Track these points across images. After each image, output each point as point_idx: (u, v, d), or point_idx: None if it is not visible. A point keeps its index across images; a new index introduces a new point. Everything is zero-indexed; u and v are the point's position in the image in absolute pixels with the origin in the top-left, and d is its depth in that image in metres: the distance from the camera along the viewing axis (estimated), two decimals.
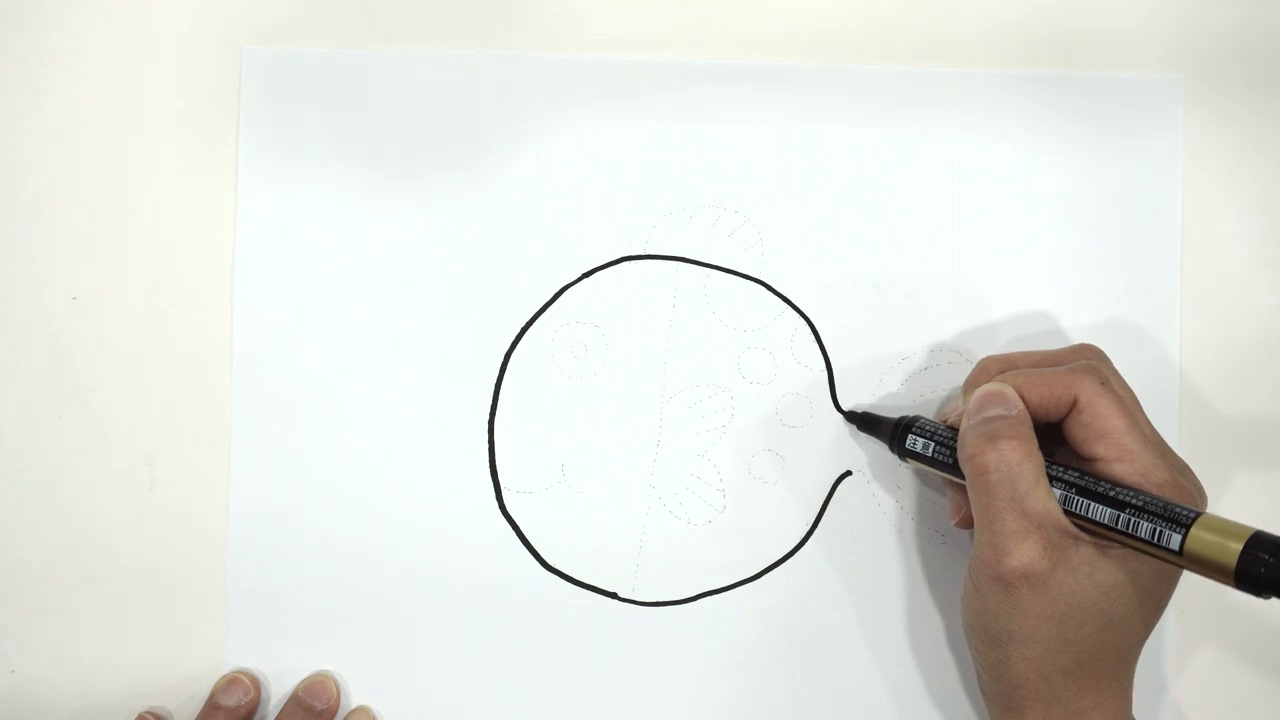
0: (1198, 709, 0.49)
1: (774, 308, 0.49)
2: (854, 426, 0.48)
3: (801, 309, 0.49)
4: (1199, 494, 0.42)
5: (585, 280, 0.49)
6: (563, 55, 0.49)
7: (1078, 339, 0.48)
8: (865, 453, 0.49)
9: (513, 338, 0.49)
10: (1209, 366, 0.49)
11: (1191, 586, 0.46)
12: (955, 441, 0.43)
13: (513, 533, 0.48)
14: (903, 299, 0.49)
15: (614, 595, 0.48)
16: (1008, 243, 0.49)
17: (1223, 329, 0.49)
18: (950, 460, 0.44)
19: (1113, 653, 0.41)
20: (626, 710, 0.48)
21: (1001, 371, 0.44)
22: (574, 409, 0.49)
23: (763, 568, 0.48)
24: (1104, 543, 0.40)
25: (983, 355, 0.48)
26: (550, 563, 0.48)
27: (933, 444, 0.44)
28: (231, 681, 0.47)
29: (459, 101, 0.49)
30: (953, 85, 0.49)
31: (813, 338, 0.49)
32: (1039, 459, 0.41)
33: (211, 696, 0.47)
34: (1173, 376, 0.49)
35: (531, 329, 0.49)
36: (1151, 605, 0.41)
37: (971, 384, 0.45)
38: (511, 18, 0.49)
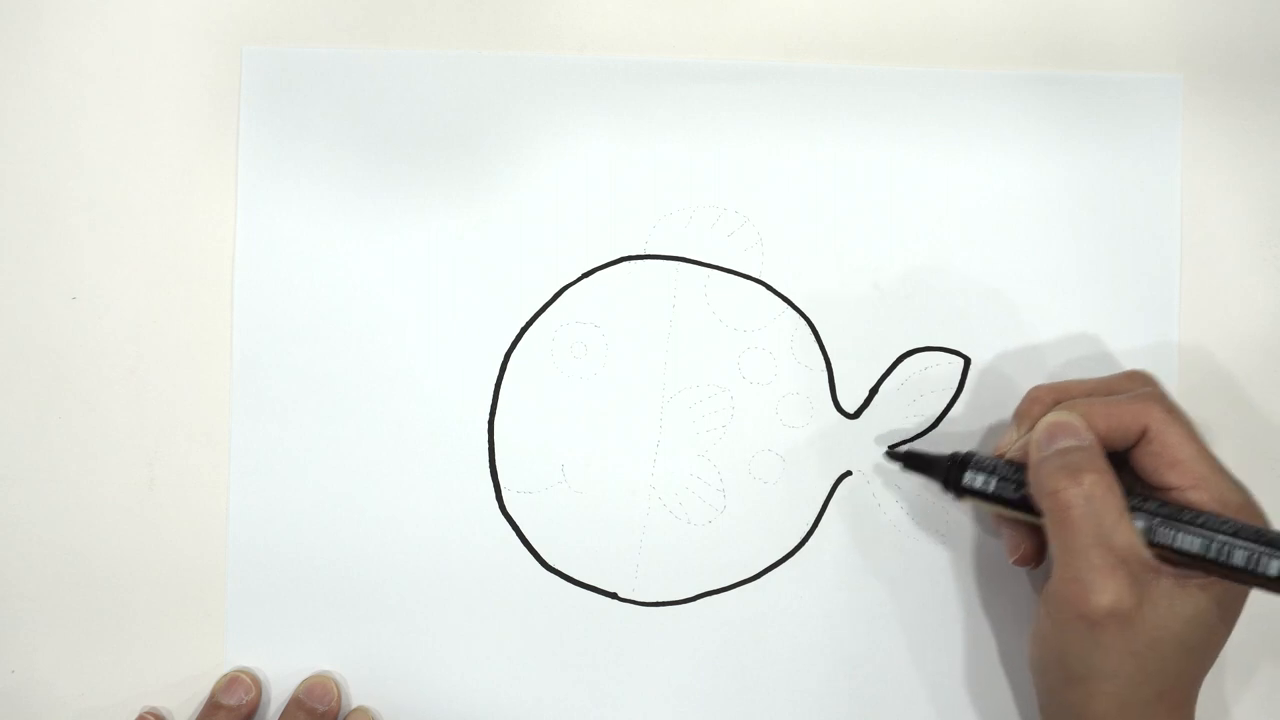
0: None
1: (774, 308, 0.49)
2: (899, 465, 0.47)
3: (801, 309, 0.49)
4: (1264, 515, 0.41)
5: (585, 280, 0.49)
6: (563, 55, 0.49)
7: (1076, 338, 0.48)
8: (865, 453, 0.49)
9: (513, 338, 0.49)
10: (1208, 366, 0.49)
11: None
12: (1019, 475, 0.42)
13: (513, 533, 0.48)
14: (903, 299, 0.49)
15: (614, 595, 0.48)
16: (1007, 242, 0.49)
17: (1222, 329, 0.49)
18: (1016, 495, 0.43)
19: (1189, 680, 0.41)
20: (626, 710, 0.48)
21: (1056, 401, 0.43)
22: (574, 409, 0.49)
23: (763, 568, 0.49)
24: (1183, 573, 0.40)
25: (982, 355, 0.48)
26: (550, 563, 0.48)
27: (995, 479, 0.43)
28: (232, 680, 0.47)
29: (459, 101, 0.49)
30: (953, 85, 0.49)
31: (813, 338, 0.49)
32: (1120, 491, 0.40)
33: (212, 696, 0.47)
34: (1172, 377, 0.48)
35: (531, 329, 0.49)
36: (1225, 629, 0.41)
37: (1023, 414, 0.44)
38: (511, 18, 0.49)
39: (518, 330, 0.49)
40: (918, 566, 0.48)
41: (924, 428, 0.48)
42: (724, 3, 0.49)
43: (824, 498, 0.49)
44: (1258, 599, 0.42)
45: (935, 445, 0.48)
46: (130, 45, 0.49)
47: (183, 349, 0.49)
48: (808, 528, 0.49)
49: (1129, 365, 0.48)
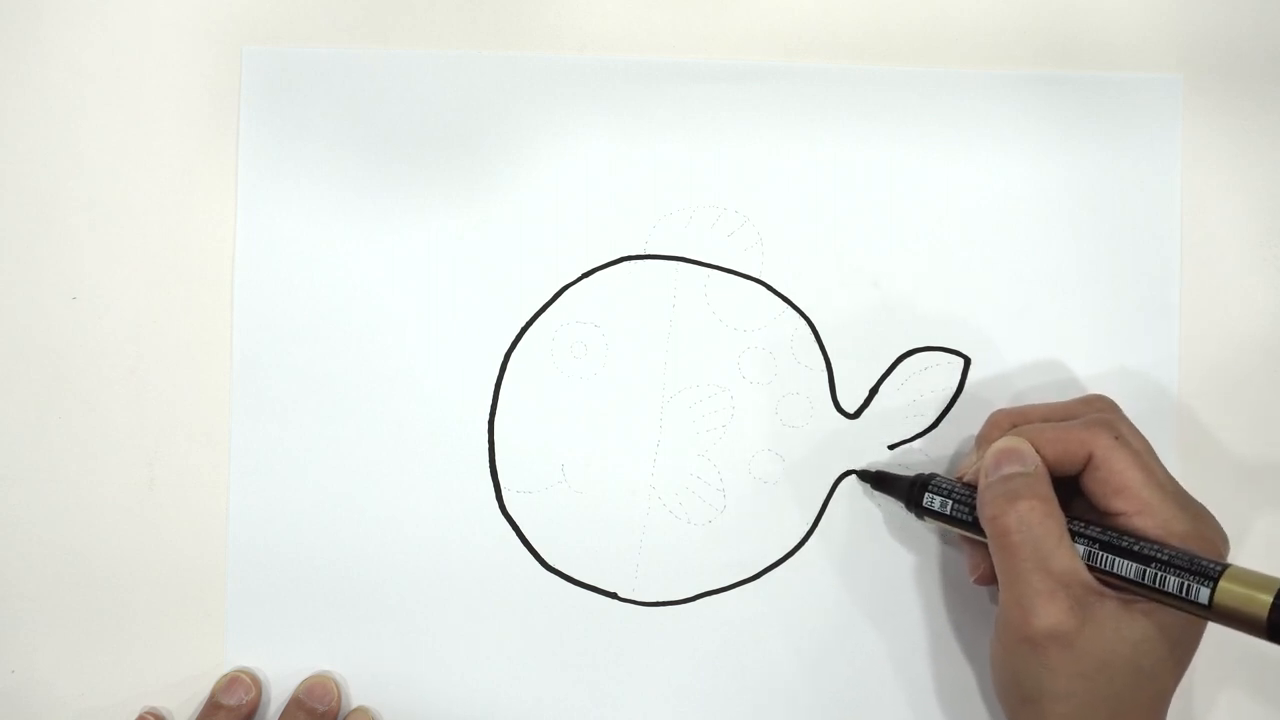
0: None
1: (774, 308, 0.49)
2: (867, 485, 0.48)
3: (801, 309, 0.49)
4: (1221, 541, 0.41)
5: (585, 280, 0.49)
6: (563, 56, 0.49)
7: (1076, 338, 0.48)
8: (865, 453, 0.49)
9: (513, 338, 0.49)
10: (1208, 366, 0.49)
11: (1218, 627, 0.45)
12: (974, 499, 0.43)
13: (513, 533, 0.48)
14: (903, 299, 0.49)
15: (614, 595, 0.48)
16: (1007, 242, 0.49)
17: (1222, 329, 0.49)
18: (969, 518, 0.44)
19: (1146, 704, 0.41)
20: (626, 710, 0.48)
21: (1014, 425, 0.44)
22: (574, 409, 0.49)
23: (763, 568, 0.49)
24: (1129, 597, 0.40)
25: (982, 355, 0.48)
26: (550, 563, 0.48)
27: (951, 502, 0.44)
28: (232, 680, 0.47)
29: (459, 101, 0.49)
30: (952, 85, 0.49)
31: (813, 338, 0.49)
32: (1060, 516, 0.41)
33: (212, 696, 0.47)
34: (1172, 377, 0.49)
35: (531, 329, 0.49)
36: (1181, 654, 0.41)
37: (984, 439, 0.45)
38: (511, 18, 0.49)
39: (518, 330, 0.49)
40: (918, 566, 0.48)
41: (924, 428, 0.48)
42: (724, 3, 0.49)
43: (824, 498, 0.49)
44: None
45: (935, 445, 0.48)
46: (130, 45, 0.49)
47: (183, 349, 0.49)
48: (808, 528, 0.49)
49: (1127, 365, 0.48)
